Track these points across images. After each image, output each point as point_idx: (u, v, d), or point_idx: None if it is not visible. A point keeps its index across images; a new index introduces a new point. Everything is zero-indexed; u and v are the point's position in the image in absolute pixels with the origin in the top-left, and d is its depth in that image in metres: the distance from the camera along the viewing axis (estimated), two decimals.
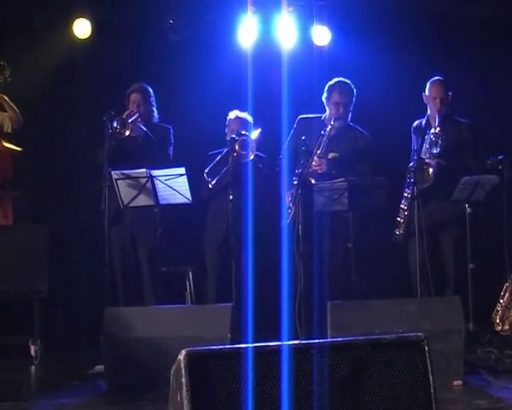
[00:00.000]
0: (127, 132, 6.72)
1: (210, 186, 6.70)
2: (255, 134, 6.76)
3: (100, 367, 5.74)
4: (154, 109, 7.06)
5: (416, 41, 7.71)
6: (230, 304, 5.66)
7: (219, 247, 6.84)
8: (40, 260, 6.92)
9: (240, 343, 3.48)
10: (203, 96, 7.40)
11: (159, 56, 7.75)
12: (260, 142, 6.75)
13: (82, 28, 7.76)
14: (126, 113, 6.85)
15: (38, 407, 5.03)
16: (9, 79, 7.51)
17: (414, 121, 6.88)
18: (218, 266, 6.87)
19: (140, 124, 6.89)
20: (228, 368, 2.84)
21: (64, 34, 7.80)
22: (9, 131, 7.64)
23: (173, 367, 2.96)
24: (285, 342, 2.98)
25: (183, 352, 2.86)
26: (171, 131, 7.04)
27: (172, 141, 7.02)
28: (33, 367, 6.48)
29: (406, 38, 7.69)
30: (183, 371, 2.82)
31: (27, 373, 6.36)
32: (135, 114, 6.86)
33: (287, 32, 7.55)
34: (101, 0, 7.82)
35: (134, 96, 6.98)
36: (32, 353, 6.69)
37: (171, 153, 7.00)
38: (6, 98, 7.52)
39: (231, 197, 6.43)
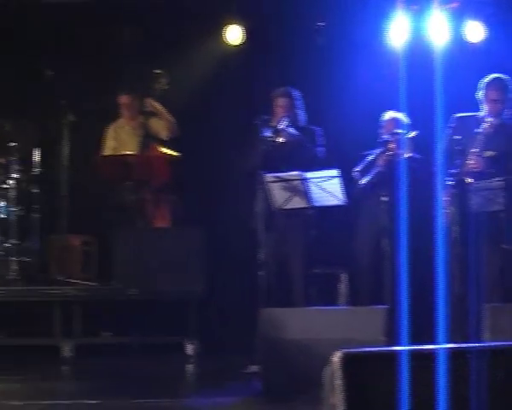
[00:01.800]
0: (280, 139, 6.78)
1: (359, 184, 6.69)
2: (410, 135, 6.69)
3: (255, 367, 5.81)
4: (301, 112, 7.06)
5: None
6: (384, 306, 5.61)
7: (372, 248, 6.79)
8: (196, 262, 7.10)
9: (394, 346, 3.44)
10: (355, 97, 7.38)
11: (310, 60, 7.78)
12: (415, 143, 6.66)
13: (234, 35, 7.89)
14: (277, 119, 6.88)
15: (195, 405, 5.14)
16: (166, 88, 7.75)
17: None
18: (371, 267, 6.83)
19: (289, 128, 6.91)
20: (382, 371, 2.82)
21: (216, 41, 7.97)
22: (165, 138, 7.88)
23: (327, 369, 2.96)
24: (440, 346, 2.92)
25: (338, 354, 2.85)
26: (320, 132, 7.02)
27: (321, 142, 7.00)
28: (190, 366, 6.65)
29: None
30: (338, 373, 2.82)
31: (184, 372, 6.53)
32: (284, 119, 6.88)
33: (439, 29, 7.40)
34: (252, 6, 7.93)
35: (281, 101, 6.99)
36: (189, 352, 6.87)
37: (320, 154, 6.98)
38: (160, 108, 7.75)
39: (385, 198, 6.39)
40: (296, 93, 7.00)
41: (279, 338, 5.43)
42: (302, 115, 7.04)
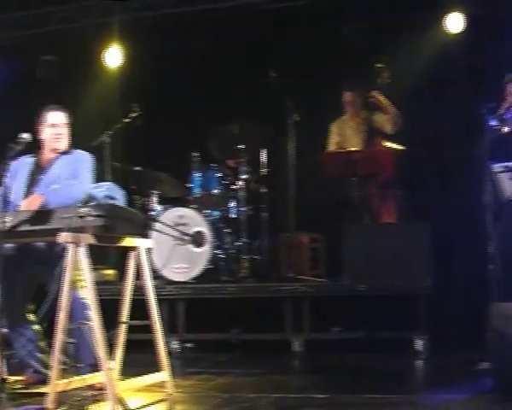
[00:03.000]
0: (506, 129, 6.52)
1: None
2: None
3: (486, 364, 5.65)
4: None
5: None
6: None
7: None
8: (424, 257, 7.00)
9: None
10: None
11: None
12: None
13: (454, 23, 7.72)
14: (505, 107, 6.63)
15: (425, 401, 5.07)
16: (388, 81, 7.72)
17: None
18: None
19: None
20: None
21: (437, 31, 7.84)
22: (390, 132, 7.85)
23: None
24: None
25: None
26: None
27: None
28: (419, 362, 6.58)
29: None
30: None
31: (413, 368, 6.46)
32: None
33: None
34: None
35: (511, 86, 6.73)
36: (418, 347, 6.80)
37: None
38: (384, 101, 7.74)
39: None
40: None
41: None
42: None
